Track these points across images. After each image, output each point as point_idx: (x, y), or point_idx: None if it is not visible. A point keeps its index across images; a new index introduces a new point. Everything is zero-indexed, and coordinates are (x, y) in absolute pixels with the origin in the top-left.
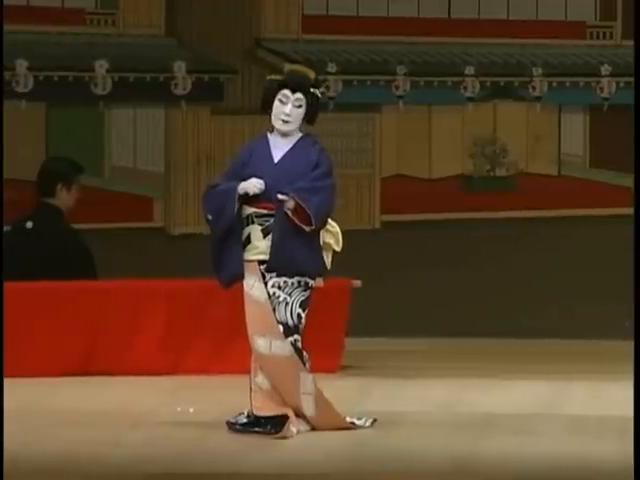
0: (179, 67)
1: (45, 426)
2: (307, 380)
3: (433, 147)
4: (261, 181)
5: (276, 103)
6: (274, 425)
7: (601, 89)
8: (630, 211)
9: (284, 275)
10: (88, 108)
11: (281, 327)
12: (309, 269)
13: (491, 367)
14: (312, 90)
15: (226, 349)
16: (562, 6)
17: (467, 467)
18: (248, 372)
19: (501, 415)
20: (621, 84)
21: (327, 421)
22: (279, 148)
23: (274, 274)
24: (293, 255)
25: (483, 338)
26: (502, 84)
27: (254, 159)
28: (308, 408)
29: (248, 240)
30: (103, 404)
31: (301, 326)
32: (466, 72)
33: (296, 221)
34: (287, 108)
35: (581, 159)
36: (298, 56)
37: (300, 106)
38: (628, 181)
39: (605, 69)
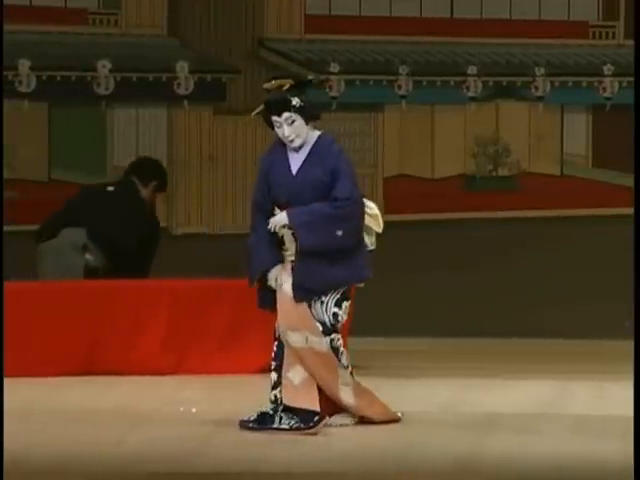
0: (181, 67)
1: (48, 426)
2: (345, 373)
3: (436, 147)
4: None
5: (275, 129)
6: (303, 420)
7: (604, 89)
8: (632, 211)
9: None
10: (90, 108)
11: (320, 326)
12: (343, 280)
13: (493, 367)
14: (293, 103)
15: (229, 349)
16: (565, 6)
17: (470, 467)
18: (251, 372)
19: (503, 415)
20: (624, 84)
21: (370, 409)
22: (296, 158)
23: None
24: (325, 276)
25: (486, 338)
26: (505, 84)
27: (275, 170)
28: (347, 398)
29: (283, 241)
30: (106, 404)
31: (339, 325)
32: (469, 72)
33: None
34: (284, 131)
35: (583, 159)
36: (300, 56)
37: (294, 121)
38: (630, 181)
39: (608, 69)
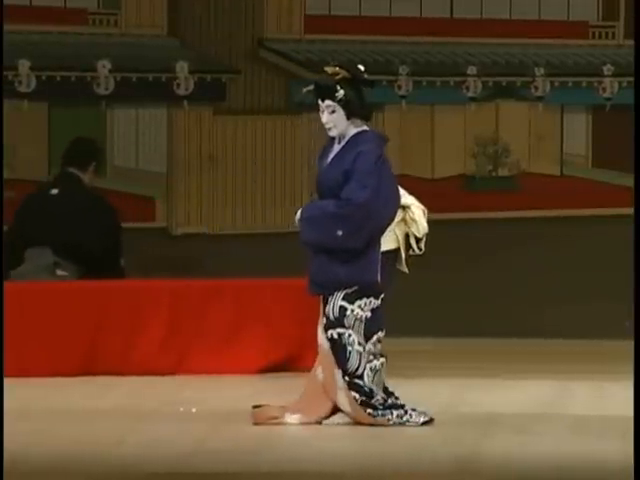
0: (181, 67)
1: (47, 426)
2: (339, 375)
3: (435, 147)
4: None
5: (319, 112)
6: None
7: (603, 89)
8: (632, 211)
9: None
10: (90, 108)
11: (324, 318)
12: (345, 280)
13: (494, 367)
14: (337, 94)
15: (228, 349)
16: (564, 6)
17: (470, 467)
18: (251, 372)
19: (504, 415)
20: (623, 84)
21: (363, 418)
22: (335, 149)
23: None
24: (328, 273)
25: (486, 338)
26: (504, 84)
27: (322, 157)
28: (343, 404)
29: None
30: (106, 404)
31: (347, 320)
32: (468, 72)
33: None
34: (324, 117)
35: (583, 159)
36: (300, 56)
37: (334, 111)
38: (630, 181)
39: (607, 69)
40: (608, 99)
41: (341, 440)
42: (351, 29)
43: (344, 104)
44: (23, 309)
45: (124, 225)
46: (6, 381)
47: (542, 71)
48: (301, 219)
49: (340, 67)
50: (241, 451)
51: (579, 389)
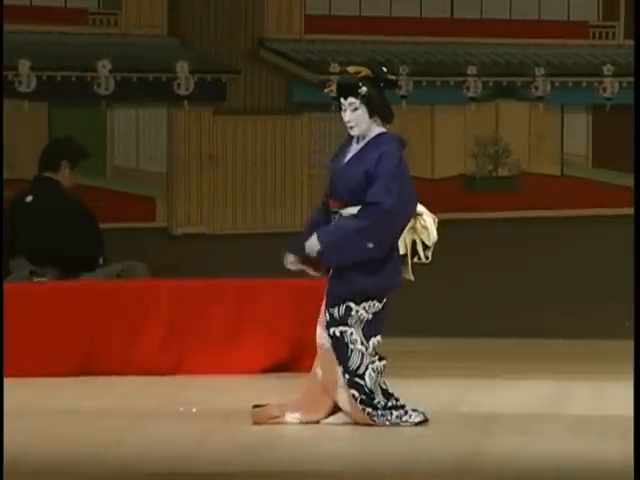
0: (182, 67)
1: (46, 426)
2: (340, 373)
3: (436, 147)
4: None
5: (341, 112)
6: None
7: (604, 89)
8: (632, 211)
9: None
10: (90, 108)
11: (328, 316)
12: (374, 289)
13: (494, 367)
14: (361, 91)
15: (228, 349)
16: (565, 6)
17: (470, 467)
18: (251, 372)
19: (504, 415)
20: (624, 84)
21: (362, 418)
22: (353, 149)
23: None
24: (355, 284)
25: (486, 338)
26: (505, 84)
27: (337, 156)
28: (343, 403)
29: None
30: (105, 404)
31: (351, 319)
32: (469, 72)
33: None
34: (346, 115)
35: (584, 159)
36: (300, 56)
37: (356, 109)
38: (630, 181)
39: (608, 69)
40: (608, 99)
41: (341, 440)
42: (351, 29)
43: (367, 101)
44: (23, 309)
45: (125, 225)
46: (6, 381)
47: (542, 71)
48: (322, 249)
49: (362, 66)
50: (241, 451)
51: (579, 389)
